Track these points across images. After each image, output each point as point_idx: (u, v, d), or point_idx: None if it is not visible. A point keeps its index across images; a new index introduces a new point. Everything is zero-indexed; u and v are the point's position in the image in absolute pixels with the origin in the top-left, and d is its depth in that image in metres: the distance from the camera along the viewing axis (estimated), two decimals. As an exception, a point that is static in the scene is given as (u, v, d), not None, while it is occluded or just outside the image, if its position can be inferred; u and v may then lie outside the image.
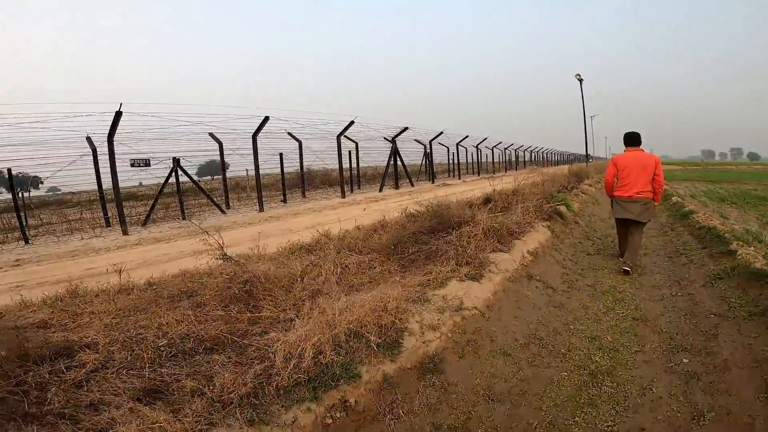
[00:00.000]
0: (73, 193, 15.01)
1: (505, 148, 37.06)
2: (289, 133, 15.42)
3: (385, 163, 17.99)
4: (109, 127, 9.36)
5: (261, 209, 13.06)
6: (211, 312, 3.17)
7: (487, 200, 8.39)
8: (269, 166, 15.86)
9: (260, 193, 13.42)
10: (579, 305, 4.53)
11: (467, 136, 27.15)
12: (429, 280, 4.01)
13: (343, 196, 15.46)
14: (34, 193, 17.13)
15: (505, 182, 8.17)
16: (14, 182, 10.21)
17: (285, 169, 15.81)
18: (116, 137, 9.67)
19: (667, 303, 4.46)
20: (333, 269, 4.06)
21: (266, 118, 12.49)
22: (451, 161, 27.53)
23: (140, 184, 17.92)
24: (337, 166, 15.63)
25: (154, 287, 3.93)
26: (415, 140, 20.95)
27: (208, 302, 3.34)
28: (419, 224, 5.70)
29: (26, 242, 9.56)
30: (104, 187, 10.99)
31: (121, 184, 10.48)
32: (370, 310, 2.93)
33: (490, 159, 33.38)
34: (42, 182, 14.35)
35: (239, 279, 3.47)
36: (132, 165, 11.86)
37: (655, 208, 5.64)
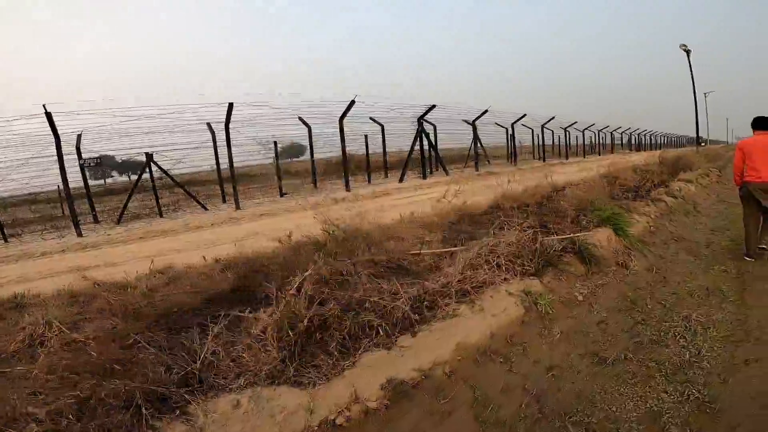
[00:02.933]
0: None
1: (599, 131, 30.62)
2: (371, 118, 14.74)
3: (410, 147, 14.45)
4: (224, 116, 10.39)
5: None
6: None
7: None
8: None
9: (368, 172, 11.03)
10: None
11: (553, 117, 22.40)
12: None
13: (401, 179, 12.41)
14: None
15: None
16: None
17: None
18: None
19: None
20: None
21: (352, 102, 12.00)
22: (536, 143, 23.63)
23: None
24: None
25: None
26: (464, 120, 17.30)
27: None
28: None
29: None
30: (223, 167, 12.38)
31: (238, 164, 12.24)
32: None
33: (580, 141, 27.98)
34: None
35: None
36: (82, 166, 10.43)
37: None
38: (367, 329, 2.63)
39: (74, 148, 11.00)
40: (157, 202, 11.90)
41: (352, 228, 4.75)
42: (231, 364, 2.40)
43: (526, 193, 7.92)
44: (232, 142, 11.11)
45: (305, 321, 2.50)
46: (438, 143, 18.79)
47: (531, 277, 3.33)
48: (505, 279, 3.23)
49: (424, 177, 14.47)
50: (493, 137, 22.46)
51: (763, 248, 4.86)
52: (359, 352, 2.49)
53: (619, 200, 7.07)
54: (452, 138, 20.30)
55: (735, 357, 2.80)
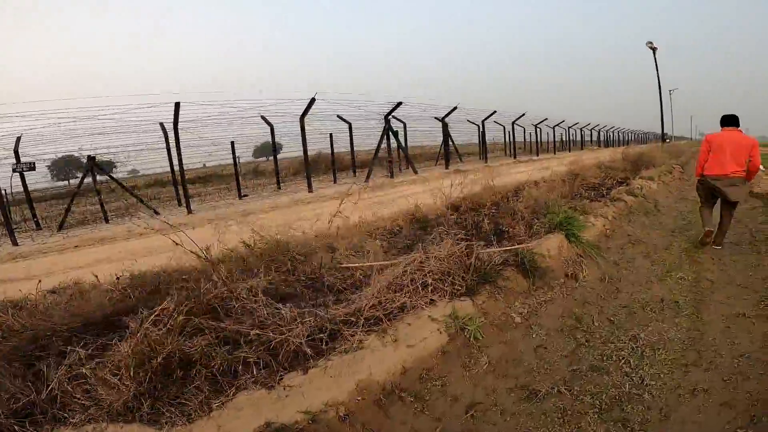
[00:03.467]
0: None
1: (569, 127, 30.78)
2: (339, 116, 14.22)
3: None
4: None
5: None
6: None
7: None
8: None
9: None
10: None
11: (524, 114, 22.24)
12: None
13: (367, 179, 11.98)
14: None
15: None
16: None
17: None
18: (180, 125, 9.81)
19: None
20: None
21: (313, 99, 11.34)
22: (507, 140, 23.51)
23: (204, 165, 18.59)
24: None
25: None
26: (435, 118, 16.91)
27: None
28: None
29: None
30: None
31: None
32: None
33: (552, 138, 27.97)
34: (116, 166, 14.92)
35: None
36: (14, 171, 9.54)
37: (746, 188, 5.28)
38: (246, 365, 2.14)
39: (12, 152, 10.11)
40: (102, 207, 11.04)
41: (282, 239, 4.24)
42: (83, 396, 2.10)
43: (485, 193, 7.57)
44: (196, 142, 10.42)
45: (159, 357, 2.00)
46: (408, 141, 18.41)
47: (462, 298, 2.89)
48: (431, 301, 2.78)
49: (392, 176, 14.01)
50: (465, 134, 22.27)
51: (718, 248, 5.08)
52: (233, 390, 2.02)
53: (579, 200, 6.79)
54: (425, 136, 20.01)
55: (682, 386, 2.43)
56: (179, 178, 11.69)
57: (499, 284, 3.19)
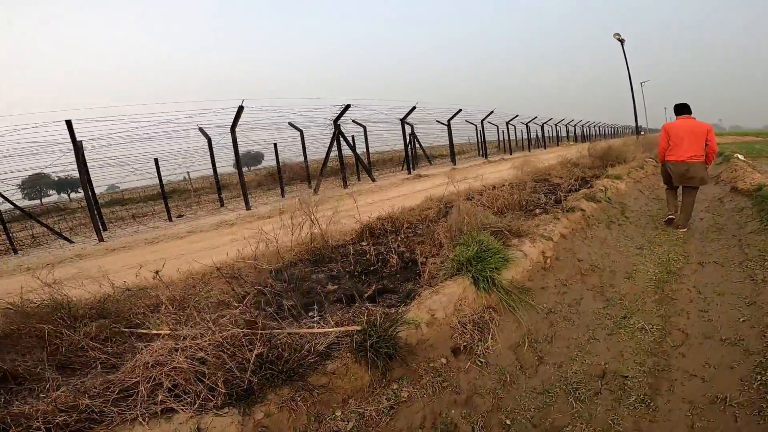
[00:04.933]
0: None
1: (543, 123, 29.74)
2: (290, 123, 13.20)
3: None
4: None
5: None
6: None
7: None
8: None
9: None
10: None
11: (492, 111, 21.02)
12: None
13: (315, 191, 10.39)
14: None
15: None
16: None
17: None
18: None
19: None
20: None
21: (241, 108, 9.96)
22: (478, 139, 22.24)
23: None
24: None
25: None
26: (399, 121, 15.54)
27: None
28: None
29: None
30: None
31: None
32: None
33: (526, 135, 26.81)
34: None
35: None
36: None
37: (707, 173, 5.34)
38: None
39: None
40: (8, 236, 9.53)
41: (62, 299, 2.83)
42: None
43: (419, 208, 6.23)
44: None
45: None
46: (370, 146, 17.06)
47: (225, 410, 1.53)
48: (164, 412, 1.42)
49: (345, 186, 12.64)
50: (434, 135, 21.02)
51: (683, 229, 5.23)
52: None
53: (525, 212, 5.47)
54: (391, 138, 18.70)
55: None
56: (99, 198, 10.22)
57: (312, 382, 1.82)
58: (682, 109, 5.31)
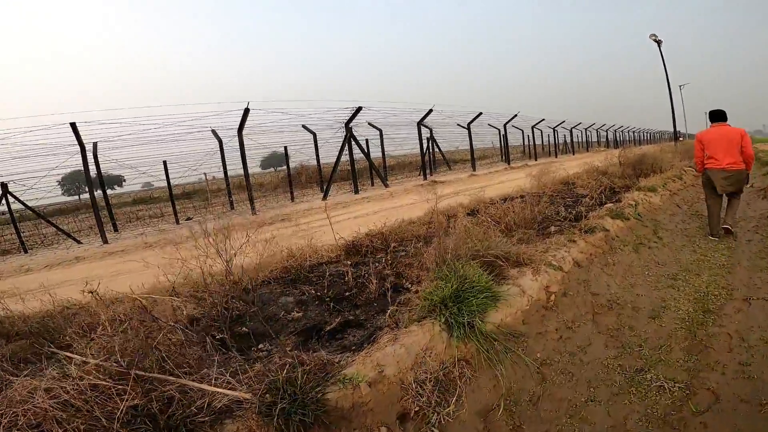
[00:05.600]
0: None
1: (572, 128, 28.30)
2: (304, 126, 12.76)
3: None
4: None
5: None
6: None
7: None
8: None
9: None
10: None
11: (516, 115, 20.11)
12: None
13: (324, 197, 10.05)
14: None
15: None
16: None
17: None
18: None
19: None
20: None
21: (247, 110, 9.63)
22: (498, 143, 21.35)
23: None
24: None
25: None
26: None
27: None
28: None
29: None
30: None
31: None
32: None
33: (554, 140, 25.60)
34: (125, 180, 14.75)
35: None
36: None
37: (748, 178, 5.19)
38: None
39: None
40: (19, 236, 9.60)
41: None
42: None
43: (419, 221, 5.61)
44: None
45: None
46: (386, 150, 16.53)
47: None
48: None
49: (356, 191, 12.14)
50: (455, 140, 20.26)
51: (727, 228, 5.02)
52: None
53: (543, 228, 4.77)
54: (409, 143, 18.13)
55: None
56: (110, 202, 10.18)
57: None
58: (716, 116, 5.19)
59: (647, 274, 3.97)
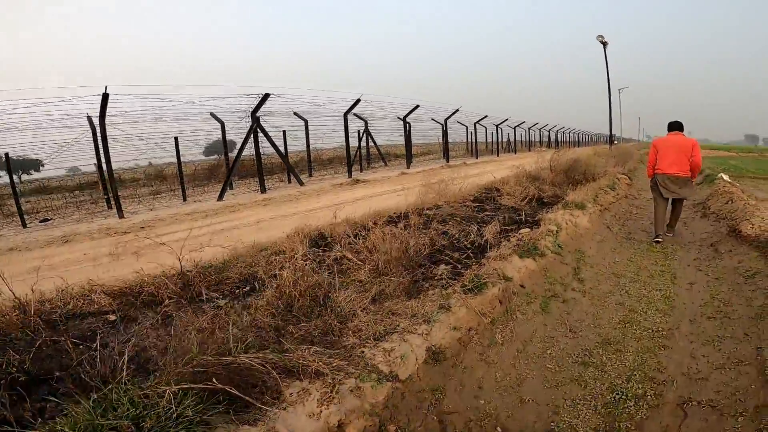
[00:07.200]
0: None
1: (515, 127, 27.65)
2: (212, 114, 10.85)
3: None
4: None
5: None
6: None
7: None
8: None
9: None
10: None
11: (457, 110, 18.81)
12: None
13: (220, 197, 7.97)
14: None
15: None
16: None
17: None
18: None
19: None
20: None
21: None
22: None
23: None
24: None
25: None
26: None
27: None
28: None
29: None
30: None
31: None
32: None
33: (498, 138, 24.80)
34: (43, 165, 13.27)
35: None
36: None
37: (693, 185, 5.70)
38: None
39: None
40: (19, 209, 7.19)
41: None
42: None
43: (271, 248, 3.98)
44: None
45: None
46: (312, 142, 14.69)
47: None
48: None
49: (263, 190, 10.28)
50: (390, 133, 18.78)
51: (670, 234, 5.39)
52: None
53: (433, 263, 3.31)
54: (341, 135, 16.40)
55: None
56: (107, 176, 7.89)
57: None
58: (673, 126, 5.43)
59: (549, 354, 2.60)
